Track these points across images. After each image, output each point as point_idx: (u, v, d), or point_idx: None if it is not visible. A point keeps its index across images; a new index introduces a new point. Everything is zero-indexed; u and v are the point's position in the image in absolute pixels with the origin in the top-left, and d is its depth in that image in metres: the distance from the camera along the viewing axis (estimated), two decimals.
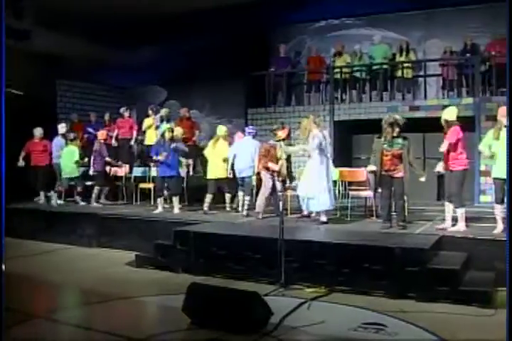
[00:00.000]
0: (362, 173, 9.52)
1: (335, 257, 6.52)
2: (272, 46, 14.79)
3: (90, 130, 13.70)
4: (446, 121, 7.75)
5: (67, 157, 11.67)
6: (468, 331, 5.09)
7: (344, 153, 12.98)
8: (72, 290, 7.12)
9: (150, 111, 13.08)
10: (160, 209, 10.10)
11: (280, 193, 7.06)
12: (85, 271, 7.88)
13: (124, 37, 13.68)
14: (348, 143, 13.46)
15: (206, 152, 10.39)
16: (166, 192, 10.39)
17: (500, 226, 7.19)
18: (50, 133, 12.42)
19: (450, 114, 7.81)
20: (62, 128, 12.48)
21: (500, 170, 7.01)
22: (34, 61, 13.24)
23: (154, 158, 10.06)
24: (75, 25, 12.67)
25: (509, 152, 3.39)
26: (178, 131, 10.87)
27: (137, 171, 12.36)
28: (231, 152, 9.90)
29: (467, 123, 11.19)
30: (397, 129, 7.70)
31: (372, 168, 7.95)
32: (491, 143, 7.29)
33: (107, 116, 13.98)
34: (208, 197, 10.04)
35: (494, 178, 7.30)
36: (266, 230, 7.70)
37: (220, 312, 5.06)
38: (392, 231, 7.63)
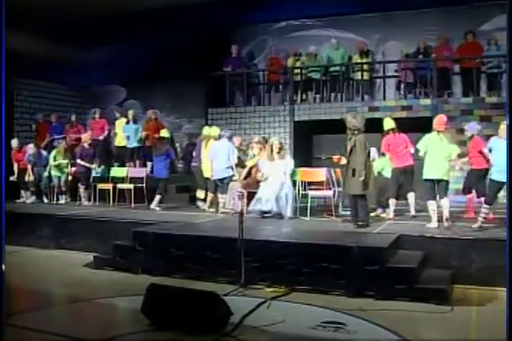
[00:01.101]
0: (322, 173, 9.61)
1: (294, 257, 6.54)
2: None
3: (57, 137, 13.82)
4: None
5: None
6: (426, 328, 5.18)
7: (304, 153, 13.05)
8: (30, 293, 6.97)
9: (117, 114, 13.42)
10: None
11: (239, 193, 7.09)
12: (43, 273, 7.74)
13: (83, 35, 13.47)
14: (308, 143, 13.53)
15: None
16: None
17: (434, 221, 7.78)
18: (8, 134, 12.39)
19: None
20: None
21: (428, 172, 7.80)
22: None
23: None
24: (30, 22, 12.41)
25: (509, 152, 3.41)
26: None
27: (95, 171, 12.19)
28: (209, 155, 10.13)
29: (425, 124, 11.46)
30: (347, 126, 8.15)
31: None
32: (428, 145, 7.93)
33: (73, 117, 14.10)
34: (209, 196, 10.36)
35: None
36: (225, 230, 7.67)
37: (180, 312, 5.03)
38: (351, 231, 7.72)
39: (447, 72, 12.26)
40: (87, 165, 11.78)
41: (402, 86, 13.19)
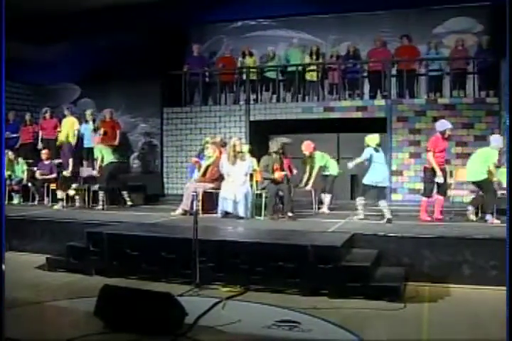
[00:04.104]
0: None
1: (249, 256, 6.54)
2: (190, 45, 14.68)
3: (11, 135, 13.54)
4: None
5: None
6: (380, 325, 5.24)
7: (260, 153, 13.05)
8: None
9: (66, 112, 13.22)
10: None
11: (193, 193, 7.06)
12: None
13: (37, 32, 13.24)
14: (264, 143, 13.50)
15: None
16: None
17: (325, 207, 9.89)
18: None
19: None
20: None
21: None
22: None
23: None
24: None
25: (509, 152, 3.44)
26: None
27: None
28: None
29: (379, 124, 11.63)
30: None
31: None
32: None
33: (27, 116, 13.89)
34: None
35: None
36: (181, 230, 7.63)
37: (134, 314, 4.97)
38: (306, 230, 7.77)
39: (383, 74, 12.53)
40: (45, 177, 11.81)
41: (332, 88, 13.51)
